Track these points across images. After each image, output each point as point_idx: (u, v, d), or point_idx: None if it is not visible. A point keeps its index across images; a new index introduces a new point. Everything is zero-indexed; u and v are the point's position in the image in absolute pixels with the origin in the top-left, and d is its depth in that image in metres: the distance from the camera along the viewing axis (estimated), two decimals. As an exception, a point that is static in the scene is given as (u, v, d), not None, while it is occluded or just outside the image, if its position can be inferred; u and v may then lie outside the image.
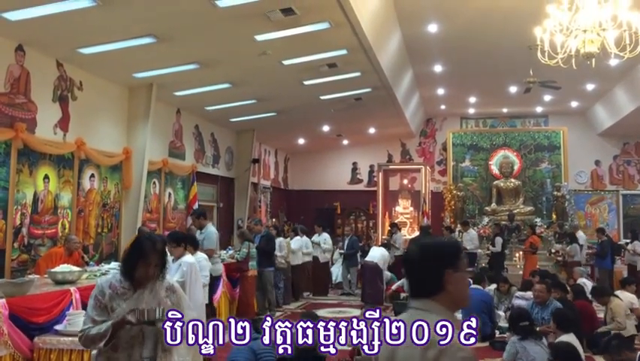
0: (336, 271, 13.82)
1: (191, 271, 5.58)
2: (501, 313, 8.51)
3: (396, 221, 16.48)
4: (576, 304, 7.46)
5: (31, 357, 4.83)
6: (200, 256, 6.62)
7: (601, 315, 8.05)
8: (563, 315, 5.82)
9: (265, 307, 9.72)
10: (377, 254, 11.48)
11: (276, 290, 10.36)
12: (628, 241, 13.77)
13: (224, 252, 10.43)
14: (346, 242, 13.18)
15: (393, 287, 11.17)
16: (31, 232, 7.96)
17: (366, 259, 11.56)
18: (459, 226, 14.94)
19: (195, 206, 12.41)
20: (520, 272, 12.70)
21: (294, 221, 16.84)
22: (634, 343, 7.40)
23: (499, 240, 12.63)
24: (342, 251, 13.48)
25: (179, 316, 2.91)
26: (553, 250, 14.11)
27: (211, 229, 8.14)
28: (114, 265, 7.70)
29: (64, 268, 5.99)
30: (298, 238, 12.21)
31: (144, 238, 3.26)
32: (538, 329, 5.93)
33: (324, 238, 12.76)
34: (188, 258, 5.79)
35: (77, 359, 4.80)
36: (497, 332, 7.90)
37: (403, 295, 10.65)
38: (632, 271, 12.31)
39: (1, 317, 4.53)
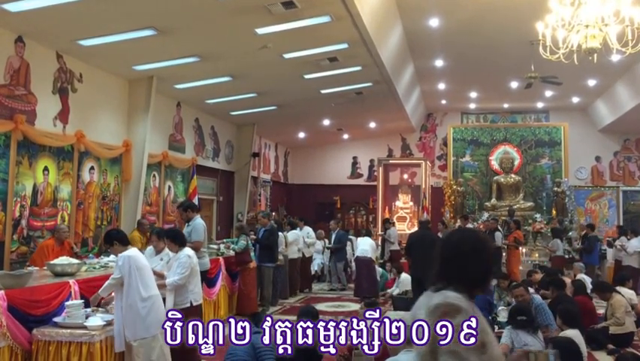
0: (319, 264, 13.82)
1: (129, 265, 5.01)
2: (501, 307, 8.50)
3: (396, 216, 16.54)
4: (577, 300, 7.46)
5: (30, 349, 4.83)
6: (184, 252, 5.94)
7: (600, 311, 8.06)
8: (568, 311, 5.83)
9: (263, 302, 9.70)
10: (368, 247, 11.66)
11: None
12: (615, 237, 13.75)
13: (222, 244, 10.42)
14: (333, 236, 13.03)
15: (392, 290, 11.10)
16: (30, 224, 7.96)
17: (359, 254, 11.58)
18: (458, 220, 14.93)
19: (195, 200, 12.41)
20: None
21: (294, 215, 16.84)
22: (633, 339, 7.42)
23: (498, 235, 12.62)
24: (328, 246, 13.41)
25: None
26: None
27: (198, 220, 7.70)
28: (113, 257, 7.69)
29: (63, 260, 6.00)
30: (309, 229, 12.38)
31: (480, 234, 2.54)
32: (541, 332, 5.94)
33: (307, 232, 12.61)
34: (128, 251, 5.18)
35: (76, 351, 4.80)
36: (496, 328, 7.91)
37: (395, 291, 10.65)
38: (618, 267, 12.39)
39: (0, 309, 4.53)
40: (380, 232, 13.81)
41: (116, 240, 5.25)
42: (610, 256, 13.47)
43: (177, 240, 6.02)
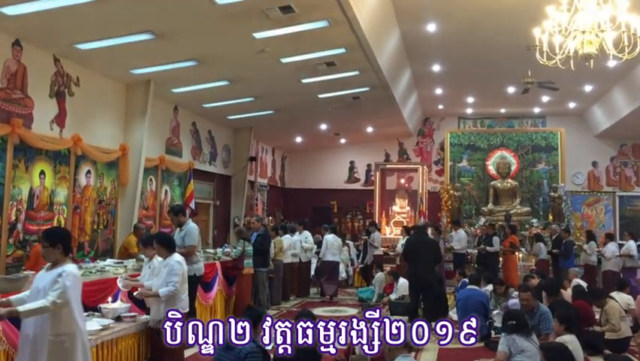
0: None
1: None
2: (497, 311, 8.51)
3: (393, 220, 16.54)
4: (575, 305, 7.45)
5: (26, 353, 4.80)
6: (175, 258, 5.72)
7: (596, 316, 8.06)
8: (567, 316, 5.82)
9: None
10: (337, 250, 11.91)
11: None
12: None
13: (220, 249, 10.40)
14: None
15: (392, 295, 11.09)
16: (26, 228, 7.93)
17: (331, 258, 11.77)
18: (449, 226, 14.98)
19: (192, 204, 12.39)
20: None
21: (290, 219, 16.82)
22: (629, 344, 7.42)
23: (496, 239, 12.64)
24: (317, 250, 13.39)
25: None
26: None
27: (192, 225, 7.57)
28: (110, 262, 7.68)
29: (59, 264, 5.95)
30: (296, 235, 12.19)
31: None
32: (540, 339, 5.94)
33: (305, 237, 12.49)
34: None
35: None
36: (493, 333, 7.91)
37: (393, 296, 10.64)
38: (587, 271, 12.41)
39: (-5, 313, 4.50)
40: (364, 236, 13.74)
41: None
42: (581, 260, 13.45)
43: (170, 245, 5.77)
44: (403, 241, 12.72)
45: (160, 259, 5.80)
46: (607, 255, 12.15)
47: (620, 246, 12.70)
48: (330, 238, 11.93)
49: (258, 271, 9.61)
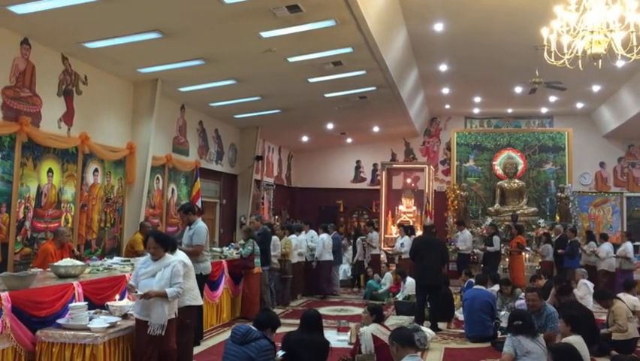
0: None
1: None
2: (504, 312, 8.49)
3: (399, 220, 16.48)
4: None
5: (34, 350, 4.83)
6: (178, 257, 5.44)
7: (603, 317, 8.04)
8: (573, 316, 5.80)
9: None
10: (329, 249, 11.98)
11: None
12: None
13: (227, 248, 10.41)
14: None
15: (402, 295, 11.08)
16: (34, 226, 7.97)
17: (327, 258, 11.87)
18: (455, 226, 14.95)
19: (198, 202, 12.41)
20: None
21: (296, 219, 16.84)
22: (636, 345, 7.40)
23: (497, 238, 12.61)
24: None
25: None
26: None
27: (201, 224, 7.45)
28: (117, 260, 7.71)
29: (67, 261, 5.99)
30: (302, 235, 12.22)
31: None
32: (544, 334, 5.92)
33: (311, 236, 12.46)
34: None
35: (79, 352, 4.80)
36: (499, 333, 7.90)
37: (399, 295, 10.64)
38: (589, 271, 12.39)
39: (4, 310, 4.53)
40: (363, 236, 13.73)
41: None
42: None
43: (166, 244, 5.36)
44: (401, 240, 12.71)
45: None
46: (601, 255, 12.11)
47: (617, 247, 12.67)
48: (324, 237, 11.97)
49: (262, 270, 9.62)
